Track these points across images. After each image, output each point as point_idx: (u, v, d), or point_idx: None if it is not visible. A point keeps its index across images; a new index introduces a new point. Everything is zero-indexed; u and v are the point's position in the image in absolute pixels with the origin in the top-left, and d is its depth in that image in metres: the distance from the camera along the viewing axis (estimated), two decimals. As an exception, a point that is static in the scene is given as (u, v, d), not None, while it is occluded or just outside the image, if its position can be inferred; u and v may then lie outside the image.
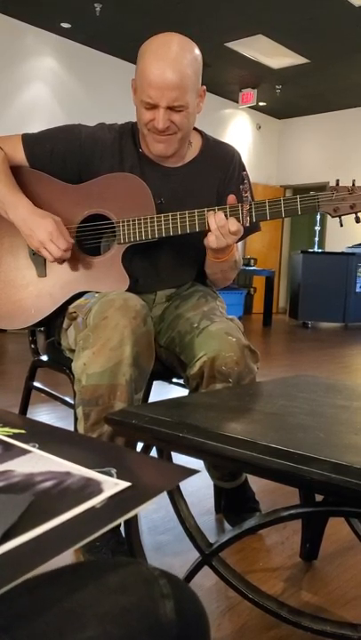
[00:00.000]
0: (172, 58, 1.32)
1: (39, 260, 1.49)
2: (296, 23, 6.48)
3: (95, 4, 6.16)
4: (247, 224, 1.37)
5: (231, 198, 1.37)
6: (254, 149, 10.11)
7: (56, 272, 1.48)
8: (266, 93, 8.94)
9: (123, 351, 1.22)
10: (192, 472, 0.53)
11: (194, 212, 1.38)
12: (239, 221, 1.35)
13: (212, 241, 1.37)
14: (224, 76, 8.20)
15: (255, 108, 9.66)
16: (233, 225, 1.34)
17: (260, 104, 9.42)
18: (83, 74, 7.50)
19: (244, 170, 1.56)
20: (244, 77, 8.38)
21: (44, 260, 1.48)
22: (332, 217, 1.36)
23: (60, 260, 1.42)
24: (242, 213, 1.35)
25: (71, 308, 1.45)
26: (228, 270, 1.54)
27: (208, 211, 1.37)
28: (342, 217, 1.36)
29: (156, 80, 1.32)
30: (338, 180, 1.37)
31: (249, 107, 9.37)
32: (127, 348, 1.22)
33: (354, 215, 1.35)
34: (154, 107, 1.35)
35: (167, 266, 1.52)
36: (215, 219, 1.35)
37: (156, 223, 1.40)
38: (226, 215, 1.35)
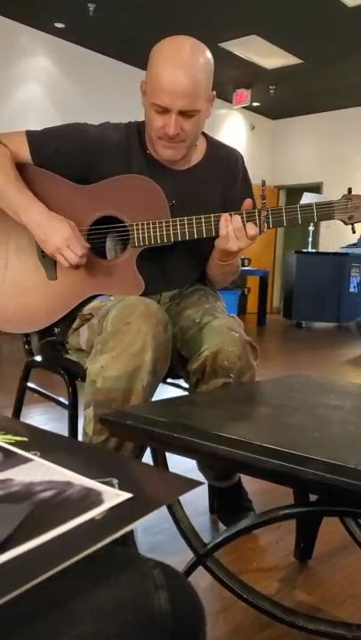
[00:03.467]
0: (185, 63, 1.31)
1: (49, 263, 1.45)
2: (290, 24, 6.50)
3: (89, 4, 6.14)
4: (265, 230, 1.38)
5: (248, 203, 1.38)
6: (248, 150, 10.11)
7: (67, 275, 1.45)
8: (260, 94, 8.95)
9: (143, 357, 1.21)
10: (195, 484, 0.52)
11: (210, 216, 1.38)
12: (256, 226, 1.37)
13: (224, 243, 1.37)
14: (218, 76, 8.06)
15: (249, 108, 9.67)
16: (251, 229, 1.36)
17: (254, 104, 9.43)
18: (76, 74, 7.49)
19: (247, 174, 1.59)
20: (238, 77, 8.39)
21: (55, 261, 1.45)
22: (346, 224, 1.41)
23: (76, 267, 1.40)
24: (259, 219, 1.37)
25: (85, 309, 1.43)
26: (228, 273, 1.55)
27: (225, 216, 1.37)
28: (355, 224, 1.41)
29: (168, 85, 1.31)
30: (350, 189, 1.43)
31: (243, 107, 9.38)
32: (148, 354, 1.22)
33: None
34: (165, 111, 1.34)
35: (174, 268, 1.52)
36: (231, 221, 1.35)
37: (171, 227, 1.39)
38: (243, 220, 1.36)
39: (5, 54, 6.78)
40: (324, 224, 9.44)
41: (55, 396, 1.64)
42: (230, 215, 1.36)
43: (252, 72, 8.07)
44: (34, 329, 1.50)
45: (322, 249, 9.25)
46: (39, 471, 0.53)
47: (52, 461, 0.55)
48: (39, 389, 1.70)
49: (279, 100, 9.21)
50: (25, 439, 0.61)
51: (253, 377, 1.37)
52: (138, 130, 1.50)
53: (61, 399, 1.58)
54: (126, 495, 0.48)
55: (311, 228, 8.25)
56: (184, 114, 1.35)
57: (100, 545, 0.40)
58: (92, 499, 0.47)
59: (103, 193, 1.44)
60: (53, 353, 1.57)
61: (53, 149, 1.45)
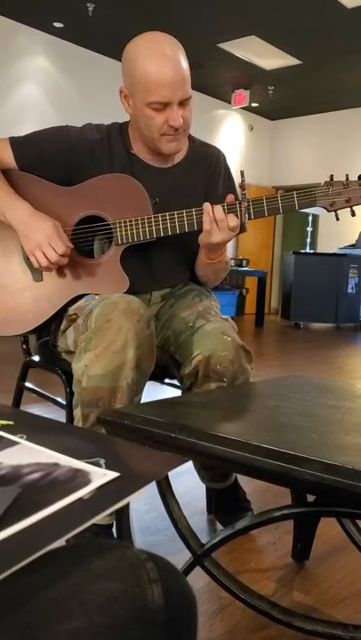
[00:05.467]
0: (170, 54, 1.32)
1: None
2: (288, 24, 6.50)
3: (88, 4, 6.15)
4: (245, 221, 1.37)
5: (230, 198, 1.38)
6: (247, 150, 10.12)
7: (53, 276, 1.46)
8: (258, 94, 8.96)
9: (126, 354, 1.22)
10: (181, 461, 0.52)
11: (192, 210, 1.38)
12: (238, 218, 1.36)
13: (207, 237, 1.36)
14: (217, 77, 8.21)
15: (248, 108, 9.68)
16: (232, 220, 1.35)
17: (253, 105, 9.44)
18: (75, 73, 7.49)
19: (229, 171, 1.59)
20: (236, 78, 8.40)
21: None
22: (329, 211, 1.37)
23: (55, 266, 1.40)
24: (240, 210, 1.36)
25: (71, 310, 1.44)
26: (219, 271, 1.55)
27: (206, 206, 1.36)
28: (338, 211, 1.37)
29: (165, 79, 1.31)
30: (332, 175, 1.38)
31: (241, 108, 9.39)
32: (130, 351, 1.22)
33: (349, 209, 1.36)
34: (165, 106, 1.34)
35: (163, 266, 1.52)
36: (214, 213, 1.35)
37: (153, 223, 1.39)
38: (224, 211, 1.35)
39: (4, 54, 6.77)
40: (322, 224, 9.46)
41: (52, 396, 1.64)
42: (212, 206, 1.35)
43: (251, 73, 8.08)
44: (22, 332, 1.49)
45: (320, 250, 9.26)
46: (26, 454, 0.53)
47: (39, 444, 0.55)
48: (36, 389, 1.70)
49: (278, 100, 9.22)
50: (11, 423, 0.61)
51: (247, 381, 1.37)
52: (120, 130, 1.51)
53: (58, 399, 1.58)
54: (113, 474, 0.48)
55: (309, 229, 8.26)
56: (181, 103, 1.36)
57: (89, 523, 0.41)
58: (79, 479, 0.47)
59: (86, 193, 1.45)
60: (50, 353, 1.57)
61: (37, 153, 1.46)
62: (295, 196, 1.35)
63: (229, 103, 9.17)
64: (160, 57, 1.31)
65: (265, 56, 7.46)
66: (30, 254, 1.40)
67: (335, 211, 1.37)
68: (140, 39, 1.36)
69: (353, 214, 1.37)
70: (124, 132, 1.50)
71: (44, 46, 7.15)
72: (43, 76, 7.20)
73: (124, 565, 0.41)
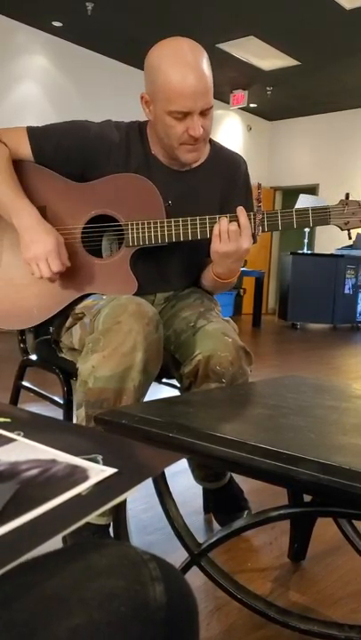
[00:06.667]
0: (193, 62, 1.31)
1: None
2: (287, 25, 6.51)
3: (87, 3, 6.14)
4: (259, 233, 1.38)
5: (240, 209, 1.37)
6: (245, 151, 10.12)
7: (60, 273, 1.46)
8: (257, 95, 8.97)
9: (134, 357, 1.21)
10: (178, 457, 0.52)
11: (205, 218, 1.38)
12: (251, 230, 1.36)
13: (215, 242, 1.36)
14: (215, 77, 8.09)
15: (246, 109, 9.69)
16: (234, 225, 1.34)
17: (251, 105, 9.45)
18: (74, 73, 7.48)
19: (249, 181, 1.58)
20: (235, 79, 8.40)
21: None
22: (342, 230, 1.40)
23: (45, 279, 1.40)
24: (254, 222, 1.36)
25: (78, 308, 1.43)
26: (225, 288, 1.55)
27: (220, 218, 1.36)
28: (351, 230, 1.40)
29: (187, 89, 1.29)
30: (348, 194, 1.41)
31: (240, 108, 9.39)
32: (139, 354, 1.21)
33: None
34: (185, 116, 1.33)
35: (171, 269, 1.52)
36: (240, 219, 1.35)
37: (166, 227, 1.39)
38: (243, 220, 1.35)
39: (3, 53, 6.77)
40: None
41: (50, 395, 1.64)
42: (227, 218, 1.35)
43: (250, 73, 8.09)
44: (25, 326, 1.49)
45: (317, 250, 9.27)
46: (23, 450, 0.53)
47: (36, 440, 0.55)
48: (34, 388, 1.70)
49: (276, 101, 9.23)
50: (7, 420, 0.61)
51: (246, 383, 1.37)
52: (139, 129, 1.49)
53: (56, 398, 1.58)
54: (111, 470, 0.48)
55: (307, 230, 8.27)
56: (202, 112, 1.35)
57: (87, 519, 0.41)
58: (77, 475, 0.47)
59: (99, 191, 1.43)
60: (48, 352, 1.57)
61: (54, 145, 1.44)
62: (310, 212, 1.37)
63: (228, 103, 9.18)
64: (183, 65, 1.30)
65: (264, 56, 7.47)
66: (26, 263, 1.39)
67: (348, 230, 1.39)
68: (163, 45, 1.34)
69: None
70: (143, 132, 1.49)
71: (43, 45, 7.14)
72: (42, 75, 7.19)
73: (125, 563, 0.41)
